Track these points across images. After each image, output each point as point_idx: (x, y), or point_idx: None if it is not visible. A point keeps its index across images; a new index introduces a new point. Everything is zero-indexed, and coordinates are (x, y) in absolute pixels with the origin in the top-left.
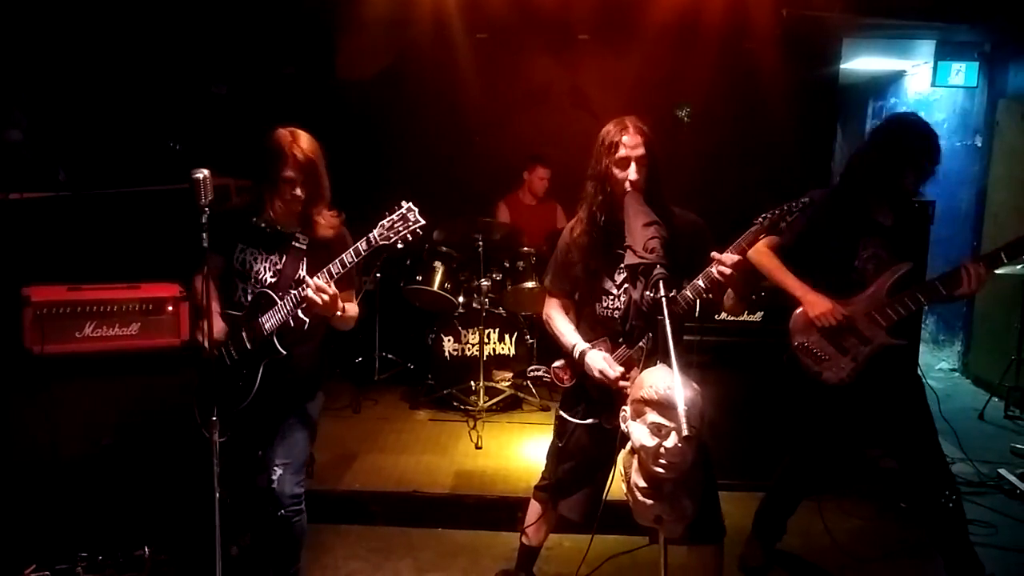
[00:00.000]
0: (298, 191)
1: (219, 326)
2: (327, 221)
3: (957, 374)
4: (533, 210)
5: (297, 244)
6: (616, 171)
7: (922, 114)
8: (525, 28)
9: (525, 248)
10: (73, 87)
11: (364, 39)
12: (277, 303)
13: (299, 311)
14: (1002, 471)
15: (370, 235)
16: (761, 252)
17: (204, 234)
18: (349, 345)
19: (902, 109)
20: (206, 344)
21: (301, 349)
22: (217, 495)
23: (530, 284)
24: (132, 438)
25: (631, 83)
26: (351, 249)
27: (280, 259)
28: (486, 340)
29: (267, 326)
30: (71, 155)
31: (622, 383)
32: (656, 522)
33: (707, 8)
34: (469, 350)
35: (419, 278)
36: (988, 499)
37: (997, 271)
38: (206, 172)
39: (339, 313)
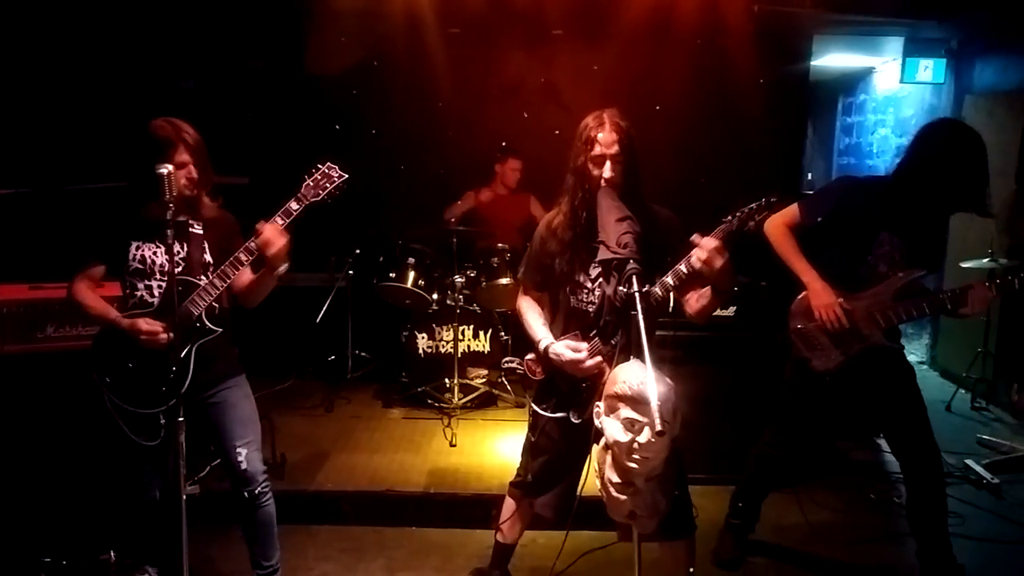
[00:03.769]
0: (193, 173)
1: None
2: (209, 202)
3: (925, 367)
4: (506, 202)
5: (193, 229)
6: (592, 168)
7: (890, 111)
8: (499, 23)
9: (499, 244)
10: (36, 81)
11: (334, 33)
12: (199, 286)
13: (233, 273)
14: (969, 462)
15: (299, 194)
16: (777, 227)
17: (169, 231)
18: (321, 343)
19: (871, 106)
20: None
21: (223, 326)
22: (184, 497)
23: (504, 280)
24: (95, 439)
25: (605, 78)
26: (281, 210)
27: (181, 247)
28: (460, 337)
29: (195, 310)
30: (34, 150)
31: (589, 363)
32: (630, 517)
33: (680, 4)
34: (443, 347)
35: (392, 275)
36: (956, 489)
37: (963, 264)
38: (171, 167)
39: (283, 268)
